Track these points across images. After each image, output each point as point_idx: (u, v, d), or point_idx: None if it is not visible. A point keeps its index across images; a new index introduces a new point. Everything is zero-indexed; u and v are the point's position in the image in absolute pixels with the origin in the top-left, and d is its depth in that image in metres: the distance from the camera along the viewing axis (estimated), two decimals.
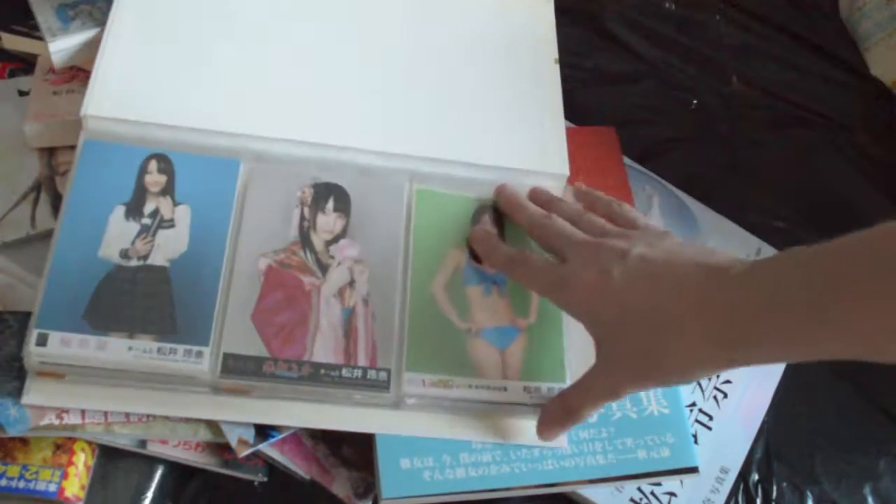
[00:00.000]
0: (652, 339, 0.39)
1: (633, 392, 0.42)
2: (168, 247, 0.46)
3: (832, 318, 0.35)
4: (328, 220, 0.48)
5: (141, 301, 0.44)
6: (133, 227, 0.46)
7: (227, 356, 0.44)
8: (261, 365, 0.44)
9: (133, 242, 0.46)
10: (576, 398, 0.43)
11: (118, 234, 0.46)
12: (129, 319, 0.44)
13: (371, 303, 0.47)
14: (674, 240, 0.43)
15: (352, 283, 0.47)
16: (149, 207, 0.47)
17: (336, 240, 0.48)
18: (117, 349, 0.43)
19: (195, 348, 0.44)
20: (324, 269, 0.47)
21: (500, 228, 0.51)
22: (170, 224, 0.46)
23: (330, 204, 0.49)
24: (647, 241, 0.42)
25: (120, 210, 0.46)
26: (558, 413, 0.45)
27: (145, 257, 0.45)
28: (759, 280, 0.37)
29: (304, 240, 0.48)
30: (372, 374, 0.45)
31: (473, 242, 0.49)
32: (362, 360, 0.45)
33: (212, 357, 0.44)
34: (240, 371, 0.44)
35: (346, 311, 0.46)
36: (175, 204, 0.47)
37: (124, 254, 0.45)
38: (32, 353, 0.42)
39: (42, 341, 0.42)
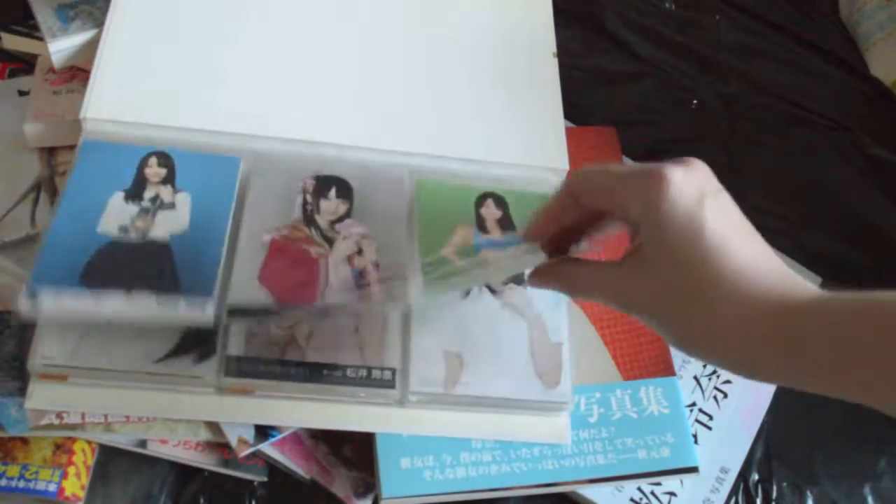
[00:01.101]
0: (698, 288, 0.34)
1: (636, 313, 0.37)
2: (168, 225, 0.45)
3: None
4: (331, 204, 0.48)
5: (141, 267, 0.43)
6: (132, 208, 0.45)
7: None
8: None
9: (132, 220, 0.45)
10: (587, 278, 0.39)
11: (118, 214, 0.45)
12: (127, 280, 0.42)
13: (381, 268, 0.46)
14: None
15: (359, 252, 0.47)
16: (149, 193, 0.46)
17: (340, 220, 0.48)
18: (114, 302, 0.41)
19: (199, 299, 0.43)
20: (330, 242, 0.47)
21: (506, 211, 0.50)
22: (170, 206, 0.46)
23: (332, 192, 0.49)
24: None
25: (119, 195, 0.46)
26: (562, 277, 0.40)
27: (145, 234, 0.45)
28: (823, 317, 0.33)
29: (308, 220, 0.47)
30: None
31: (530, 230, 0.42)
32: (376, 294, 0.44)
33: (217, 309, 0.42)
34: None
35: (356, 271, 0.46)
36: (175, 192, 0.47)
37: (124, 229, 0.44)
38: (26, 308, 0.40)
39: (33, 296, 0.41)
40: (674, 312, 0.35)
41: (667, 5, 0.78)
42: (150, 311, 0.42)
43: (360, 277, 0.45)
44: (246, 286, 0.44)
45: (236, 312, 0.43)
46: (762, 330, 0.33)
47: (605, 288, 0.38)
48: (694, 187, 0.35)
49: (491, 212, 0.50)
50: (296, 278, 0.45)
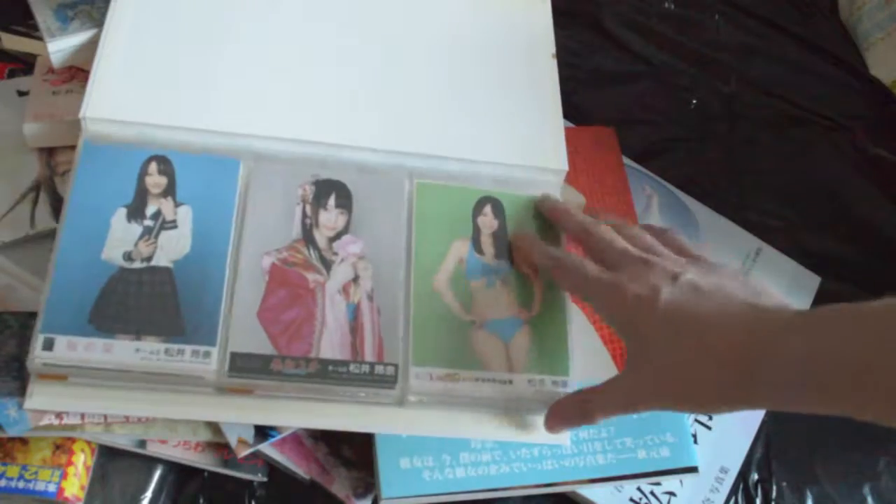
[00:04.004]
0: (687, 366, 0.39)
1: (650, 409, 0.41)
2: (171, 248, 0.46)
3: (881, 386, 0.33)
4: (330, 217, 0.48)
5: (146, 302, 0.44)
6: (135, 229, 0.46)
7: (234, 355, 0.44)
8: (268, 363, 0.44)
9: (136, 245, 0.45)
10: (595, 402, 0.43)
11: (121, 236, 0.46)
12: (135, 321, 0.44)
13: (376, 298, 0.47)
14: (724, 272, 0.42)
15: (356, 279, 0.47)
16: (150, 209, 0.47)
17: (338, 236, 0.48)
18: (124, 351, 0.43)
19: (203, 348, 0.44)
20: (327, 265, 0.47)
21: (502, 221, 0.50)
22: (172, 225, 0.46)
23: (331, 200, 0.49)
24: (699, 269, 0.42)
25: (122, 212, 0.46)
26: (573, 412, 0.44)
27: (149, 259, 0.45)
28: (807, 332, 0.36)
29: (307, 237, 0.48)
30: (379, 368, 0.45)
31: (516, 241, 0.49)
32: (369, 356, 0.45)
33: (219, 357, 0.44)
34: (247, 370, 0.44)
35: (352, 307, 0.46)
36: (176, 205, 0.47)
37: (128, 256, 0.45)
38: (38, 358, 0.42)
39: (49, 346, 0.42)
40: (675, 396, 0.40)
41: (667, 5, 0.78)
42: (158, 363, 0.43)
43: (354, 318, 0.46)
44: (247, 327, 0.45)
45: (237, 363, 0.44)
46: (739, 366, 0.37)
47: (616, 406, 0.42)
48: (647, 288, 0.41)
49: (488, 221, 0.50)
50: (295, 315, 0.45)
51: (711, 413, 0.41)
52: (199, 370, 0.43)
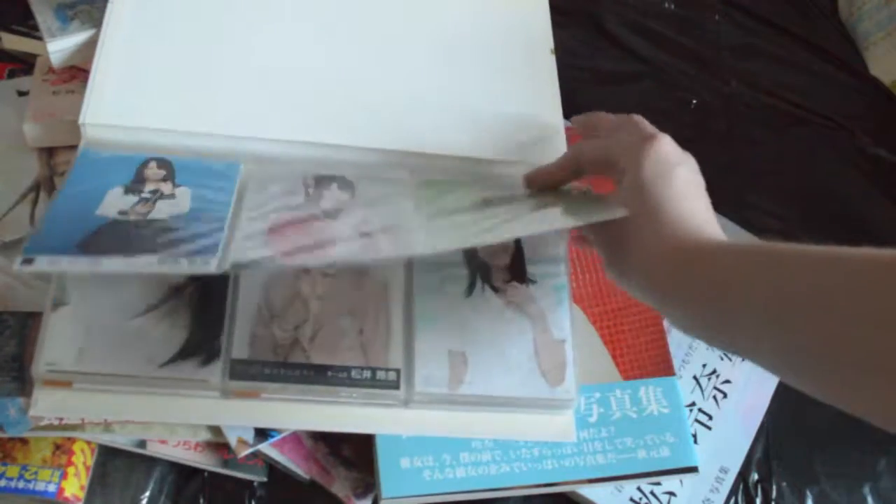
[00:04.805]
0: (648, 221, 0.40)
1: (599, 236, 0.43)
2: (169, 210, 0.44)
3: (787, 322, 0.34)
4: (333, 195, 0.48)
5: (142, 238, 0.42)
6: (132, 198, 0.44)
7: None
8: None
9: (132, 207, 0.44)
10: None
11: (116, 201, 0.44)
12: (126, 247, 0.41)
13: (390, 231, 0.44)
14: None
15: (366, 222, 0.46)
16: (149, 187, 0.45)
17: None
18: (112, 264, 0.40)
19: (201, 256, 0.41)
20: (333, 217, 0.46)
21: None
22: (170, 197, 0.45)
23: (334, 186, 0.48)
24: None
25: (118, 188, 0.45)
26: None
27: (145, 216, 0.44)
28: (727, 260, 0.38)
29: (312, 205, 0.47)
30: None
31: (531, 178, 0.49)
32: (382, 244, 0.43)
33: (219, 263, 0.40)
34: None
35: (363, 230, 0.45)
36: (175, 186, 0.46)
37: (123, 213, 0.43)
38: (20, 270, 0.39)
39: (28, 262, 0.39)
40: (621, 241, 0.41)
41: (667, 5, 0.78)
42: (151, 268, 0.40)
43: (366, 233, 0.44)
44: (251, 244, 0.42)
45: (241, 266, 0.41)
46: (668, 267, 0.39)
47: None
48: (674, 156, 0.42)
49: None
50: (300, 240, 0.43)
51: (618, 276, 0.42)
52: (199, 270, 0.40)
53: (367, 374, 0.45)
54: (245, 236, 0.43)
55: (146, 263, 0.40)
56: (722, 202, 0.65)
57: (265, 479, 0.50)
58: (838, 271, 0.33)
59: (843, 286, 0.32)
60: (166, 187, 0.46)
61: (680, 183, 0.41)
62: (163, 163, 0.47)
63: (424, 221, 0.45)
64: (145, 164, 0.47)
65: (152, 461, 0.50)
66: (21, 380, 0.45)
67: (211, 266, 0.40)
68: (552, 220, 0.45)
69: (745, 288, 0.35)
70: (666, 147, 0.42)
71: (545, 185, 0.48)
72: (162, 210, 0.44)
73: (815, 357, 0.33)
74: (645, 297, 0.41)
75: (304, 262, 0.42)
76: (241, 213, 0.45)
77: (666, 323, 0.55)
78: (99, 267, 0.39)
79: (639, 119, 0.47)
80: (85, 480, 0.48)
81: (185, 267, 0.40)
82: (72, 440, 0.47)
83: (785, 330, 0.33)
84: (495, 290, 0.49)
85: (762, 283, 0.35)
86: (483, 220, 0.45)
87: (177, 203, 0.45)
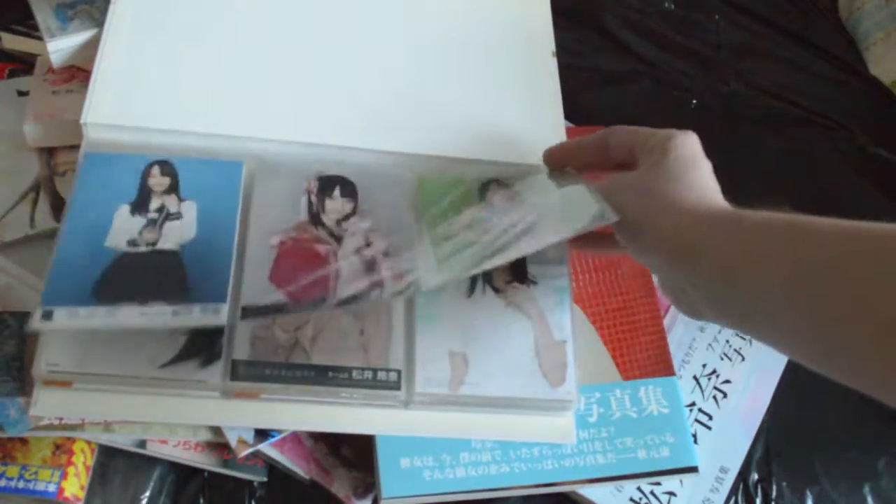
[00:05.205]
0: (667, 197, 0.41)
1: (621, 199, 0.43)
2: (176, 235, 0.45)
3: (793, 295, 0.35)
4: (336, 204, 0.48)
5: (152, 276, 0.43)
6: (139, 221, 0.45)
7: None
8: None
9: (140, 233, 0.45)
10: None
11: (124, 227, 0.45)
12: (140, 292, 0.42)
13: (391, 255, 0.46)
14: None
15: (368, 244, 0.47)
16: (154, 204, 0.46)
17: (346, 218, 0.48)
18: (128, 314, 0.41)
19: (212, 304, 0.43)
20: (338, 239, 0.47)
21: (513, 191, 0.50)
22: (176, 216, 0.46)
23: (337, 191, 0.49)
24: None
25: (125, 208, 0.46)
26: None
27: (153, 244, 0.44)
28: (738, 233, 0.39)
29: (315, 220, 0.47)
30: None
31: (549, 154, 0.50)
32: (388, 282, 0.44)
33: (230, 312, 0.43)
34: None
35: (366, 261, 0.46)
36: (181, 200, 0.47)
37: (132, 243, 0.44)
38: (37, 326, 0.41)
39: (48, 316, 0.41)
40: (641, 213, 0.42)
41: (667, 5, 0.78)
42: (165, 320, 0.42)
43: (370, 267, 0.45)
44: (258, 287, 0.44)
45: (250, 312, 0.43)
46: (703, 227, 0.40)
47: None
48: (702, 152, 0.44)
49: (499, 191, 0.50)
50: (307, 276, 0.45)
51: (633, 243, 0.43)
52: (209, 321, 0.42)
53: (368, 374, 0.45)
54: (253, 276, 0.44)
55: (160, 314, 0.42)
56: None
57: (265, 479, 0.50)
58: (861, 241, 0.34)
59: (868, 253, 0.33)
60: (171, 202, 0.46)
61: (705, 171, 0.43)
62: (165, 166, 0.47)
63: (430, 250, 0.46)
64: (148, 170, 0.47)
65: (152, 461, 0.50)
66: (21, 380, 0.45)
67: (222, 317, 0.42)
68: (561, 231, 0.45)
69: (768, 256, 0.37)
70: (697, 141, 0.44)
71: (565, 162, 0.49)
72: (170, 237, 0.45)
73: (836, 325, 0.33)
74: (669, 268, 0.42)
75: (312, 306, 0.44)
76: (247, 237, 0.46)
77: (666, 323, 0.56)
78: (116, 320, 0.41)
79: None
80: (85, 480, 0.48)
81: (197, 318, 0.42)
82: (72, 440, 0.47)
83: (806, 301, 0.34)
84: (496, 290, 0.49)
85: (783, 254, 0.36)
86: (488, 239, 0.45)
87: (183, 225, 0.45)
